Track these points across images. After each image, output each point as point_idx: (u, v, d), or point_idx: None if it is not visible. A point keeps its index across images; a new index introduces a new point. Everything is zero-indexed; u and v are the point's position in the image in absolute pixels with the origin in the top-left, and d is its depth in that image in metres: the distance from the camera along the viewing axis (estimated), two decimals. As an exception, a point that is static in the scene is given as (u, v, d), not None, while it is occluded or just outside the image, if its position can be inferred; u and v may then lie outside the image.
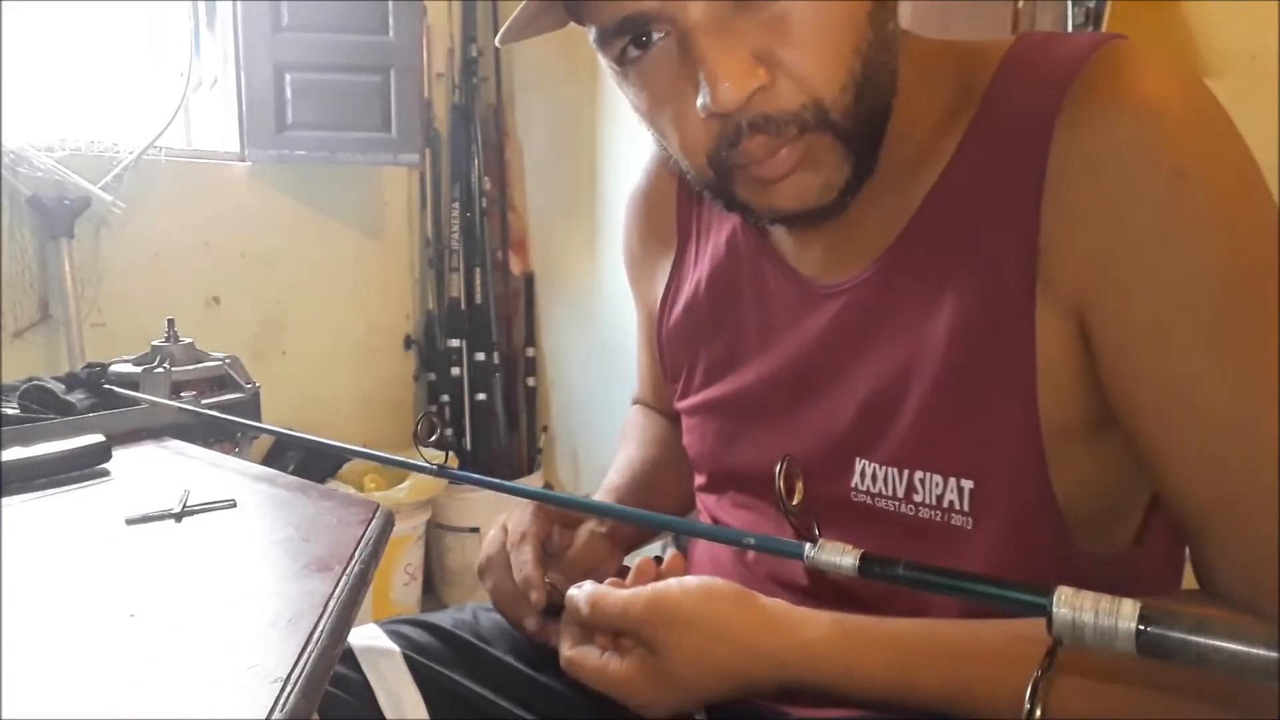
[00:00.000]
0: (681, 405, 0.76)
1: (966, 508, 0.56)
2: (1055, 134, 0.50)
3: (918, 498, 0.58)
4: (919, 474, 0.57)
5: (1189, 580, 0.57)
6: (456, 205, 2.43)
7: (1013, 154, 0.52)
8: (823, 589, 0.64)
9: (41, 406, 0.83)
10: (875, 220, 0.59)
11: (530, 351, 2.55)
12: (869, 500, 0.60)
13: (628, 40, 0.53)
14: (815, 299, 0.63)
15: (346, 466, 2.16)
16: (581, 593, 0.60)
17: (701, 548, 0.79)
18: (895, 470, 0.59)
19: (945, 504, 0.57)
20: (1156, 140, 0.48)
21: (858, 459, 0.61)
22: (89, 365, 0.93)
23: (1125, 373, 0.51)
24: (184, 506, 0.61)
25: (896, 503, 0.59)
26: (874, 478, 0.60)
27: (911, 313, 0.57)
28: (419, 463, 0.62)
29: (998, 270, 0.53)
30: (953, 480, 0.56)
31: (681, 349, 0.75)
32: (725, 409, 0.71)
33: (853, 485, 0.61)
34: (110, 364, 0.92)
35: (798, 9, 0.50)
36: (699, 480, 0.77)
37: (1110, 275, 0.50)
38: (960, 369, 0.55)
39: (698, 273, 0.74)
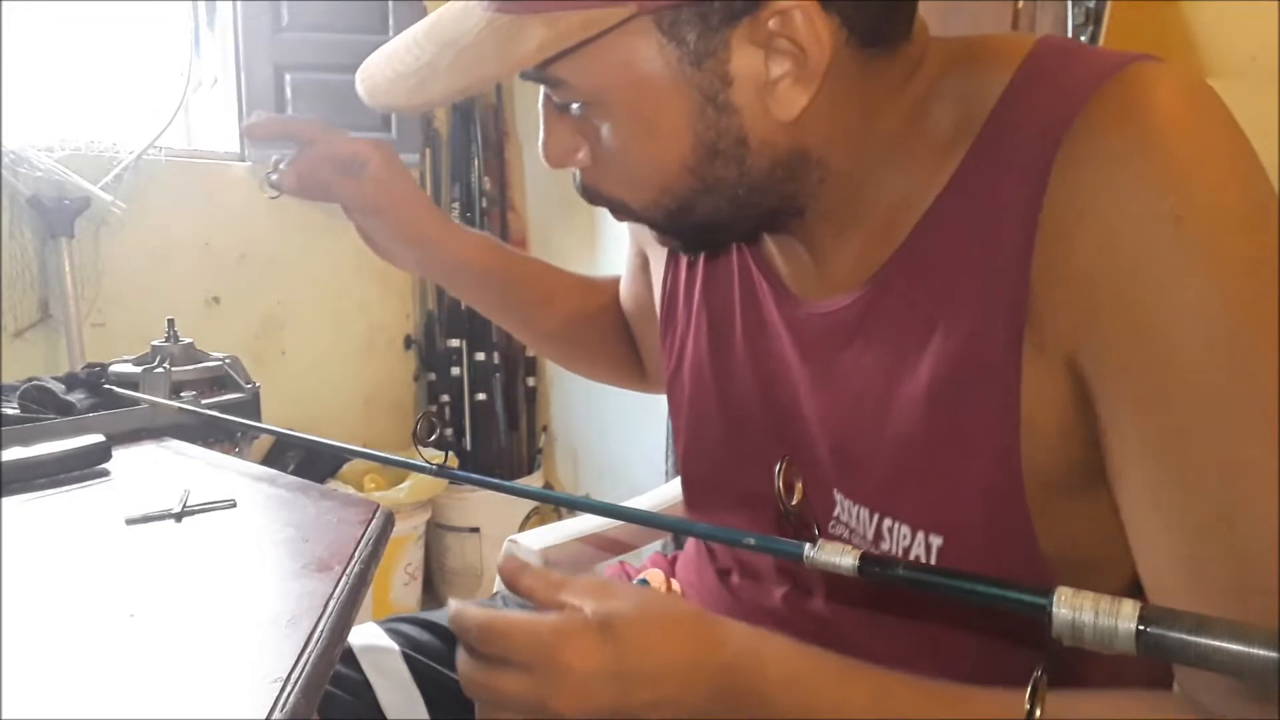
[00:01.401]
0: (670, 390, 0.74)
1: (933, 549, 0.53)
2: (1054, 170, 0.46)
3: (885, 545, 0.55)
4: (887, 521, 0.54)
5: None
6: (456, 205, 2.43)
7: (1009, 188, 0.48)
8: (802, 619, 0.62)
9: (41, 406, 0.83)
10: (866, 241, 0.55)
11: (530, 351, 2.55)
12: (846, 534, 0.58)
13: None
14: (799, 319, 0.60)
15: (346, 466, 2.16)
16: (472, 613, 0.49)
17: (689, 575, 0.77)
18: (866, 511, 0.56)
19: (911, 557, 0.54)
20: (1157, 184, 0.43)
21: (835, 490, 0.58)
22: (89, 365, 0.93)
23: (1116, 435, 0.46)
24: (184, 506, 0.61)
25: (867, 544, 0.56)
26: (850, 513, 0.57)
27: (893, 348, 0.54)
28: (419, 463, 0.62)
29: (984, 313, 0.49)
30: (920, 534, 0.53)
31: (673, 326, 0.73)
32: (711, 416, 0.68)
33: (835, 515, 0.59)
34: (110, 364, 0.92)
35: (603, 128, 0.52)
36: (685, 499, 0.75)
37: (1102, 331, 0.45)
38: (937, 416, 0.51)
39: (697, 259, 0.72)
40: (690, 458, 0.72)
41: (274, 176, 0.78)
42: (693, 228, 0.55)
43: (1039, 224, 0.46)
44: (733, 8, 0.46)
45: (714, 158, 0.51)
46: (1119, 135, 0.44)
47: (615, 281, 0.93)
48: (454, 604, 0.50)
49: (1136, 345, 0.44)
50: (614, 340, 0.93)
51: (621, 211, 0.57)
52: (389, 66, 0.53)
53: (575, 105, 0.53)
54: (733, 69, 0.48)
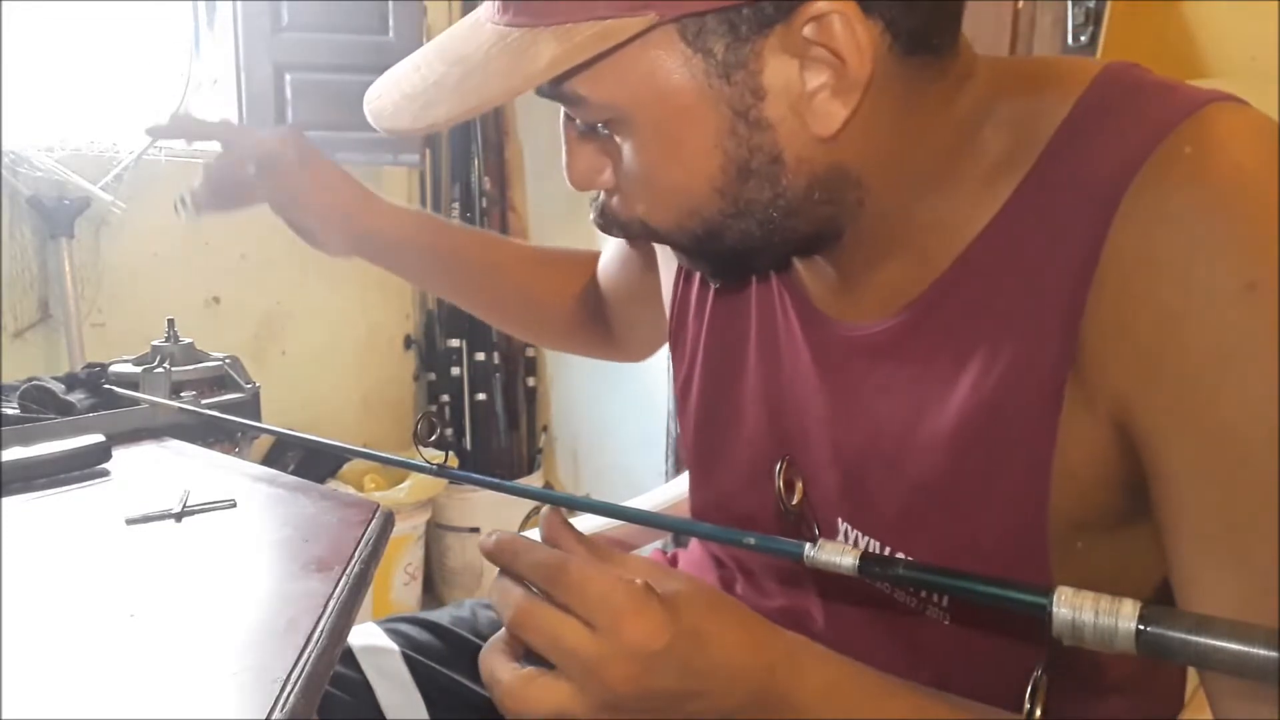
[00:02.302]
0: (679, 405, 0.73)
1: (945, 603, 0.52)
2: (1116, 219, 0.43)
3: None
4: (899, 556, 0.52)
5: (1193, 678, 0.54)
6: (456, 205, 2.43)
7: (1066, 227, 0.45)
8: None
9: (41, 406, 0.83)
10: (902, 265, 0.52)
11: (530, 351, 2.55)
12: None
13: None
14: (825, 338, 0.57)
15: (346, 466, 2.16)
16: (544, 551, 0.46)
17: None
18: (877, 544, 0.54)
19: (922, 594, 0.53)
20: (1228, 250, 0.41)
21: (840, 520, 0.57)
22: (89, 365, 0.93)
23: (1166, 504, 0.44)
24: (184, 506, 0.61)
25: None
26: (855, 543, 0.55)
27: (922, 380, 0.51)
28: (419, 463, 0.62)
29: (1026, 352, 0.46)
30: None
31: (683, 339, 0.71)
32: (719, 436, 0.67)
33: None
34: (110, 364, 0.92)
35: (626, 147, 0.49)
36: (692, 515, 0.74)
37: (1161, 400, 0.43)
38: (962, 456, 0.49)
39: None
40: (696, 476, 0.70)
41: (186, 198, 0.78)
42: (721, 253, 0.52)
43: (1096, 271, 0.44)
44: (764, 15, 0.42)
45: (746, 178, 0.47)
46: (1188, 193, 0.41)
47: (580, 259, 0.92)
48: (500, 533, 0.47)
49: (1198, 422, 0.42)
50: (578, 313, 0.92)
51: (644, 235, 0.53)
52: (396, 89, 0.50)
53: (598, 125, 0.49)
54: (765, 81, 0.44)
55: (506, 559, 0.46)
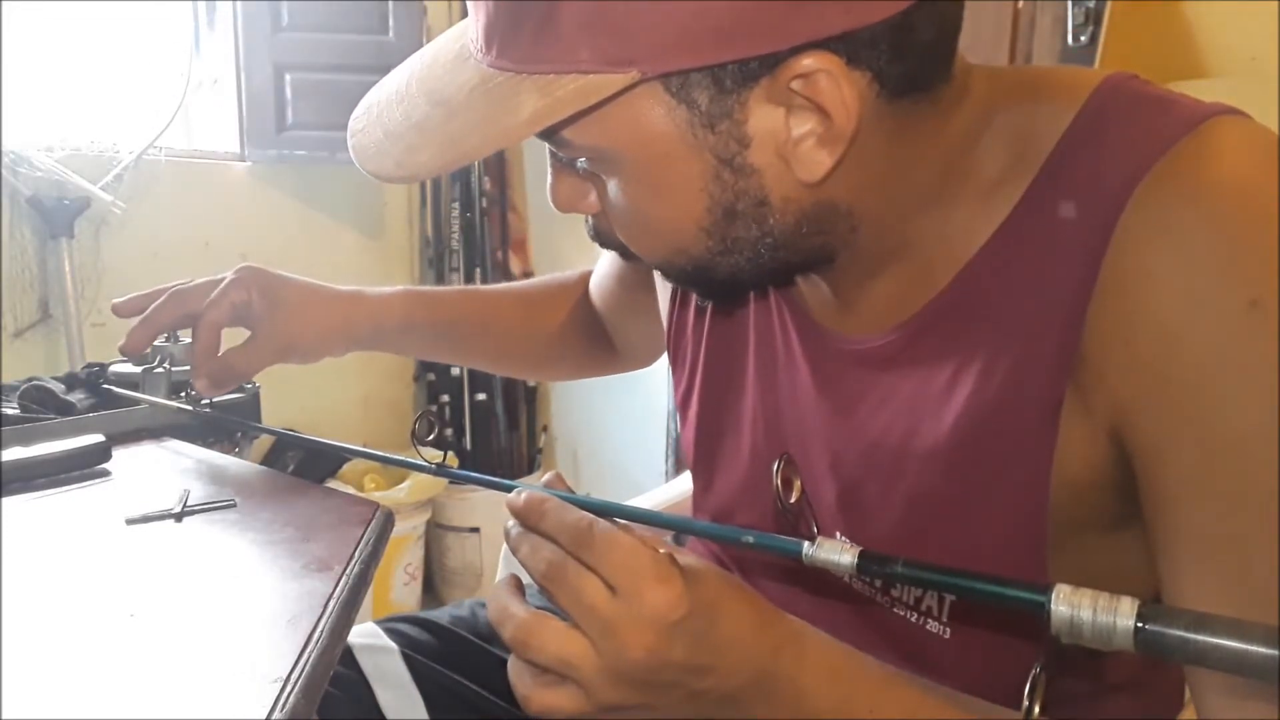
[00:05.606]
0: (681, 422, 0.73)
1: (944, 616, 0.53)
2: (1117, 233, 0.43)
3: (894, 592, 0.54)
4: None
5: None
6: (456, 205, 2.43)
7: (1066, 241, 0.45)
8: None
9: (41, 406, 0.83)
10: (902, 281, 0.52)
11: (530, 351, 2.54)
12: (847, 578, 0.56)
13: None
14: (824, 352, 0.57)
15: (346, 466, 2.16)
16: (574, 515, 0.44)
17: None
18: None
19: (923, 607, 0.53)
20: (1230, 267, 0.40)
21: (838, 534, 0.57)
22: (89, 365, 0.93)
23: (1162, 518, 0.44)
24: (184, 506, 0.61)
25: (873, 591, 0.55)
26: None
27: (921, 394, 0.51)
28: (419, 462, 0.62)
29: (1026, 365, 0.47)
30: None
31: (682, 358, 0.72)
32: (720, 452, 0.67)
33: None
34: (110, 364, 0.92)
35: (611, 185, 0.49)
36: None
37: (1155, 408, 0.43)
38: (961, 466, 0.49)
39: None
40: (698, 490, 0.70)
41: (193, 393, 0.79)
42: (712, 284, 0.52)
43: (1097, 284, 0.43)
44: (748, 70, 0.42)
45: (732, 219, 0.47)
46: (1189, 208, 0.41)
47: (567, 285, 0.93)
48: (528, 490, 0.46)
49: (1198, 437, 0.42)
50: (577, 341, 0.93)
51: (635, 257, 0.54)
52: (379, 125, 0.50)
53: (581, 161, 0.50)
54: (750, 130, 0.44)
55: (534, 519, 0.45)
